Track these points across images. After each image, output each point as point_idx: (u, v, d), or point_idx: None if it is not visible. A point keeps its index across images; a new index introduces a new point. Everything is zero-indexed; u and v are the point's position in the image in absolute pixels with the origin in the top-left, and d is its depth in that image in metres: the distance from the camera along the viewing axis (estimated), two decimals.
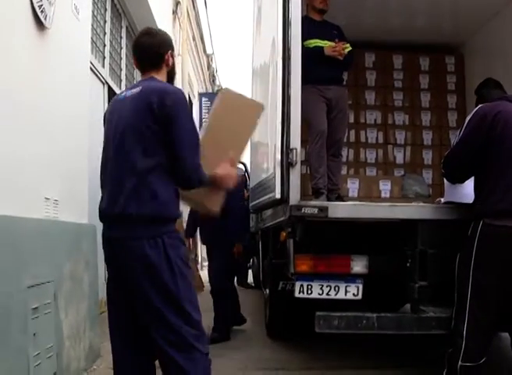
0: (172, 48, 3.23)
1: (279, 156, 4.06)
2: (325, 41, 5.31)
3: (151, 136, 2.91)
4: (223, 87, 3.63)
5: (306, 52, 4.58)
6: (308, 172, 5.42)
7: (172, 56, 3.22)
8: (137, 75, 9.39)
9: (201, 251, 15.67)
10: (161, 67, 3.16)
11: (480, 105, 3.86)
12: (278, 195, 4.09)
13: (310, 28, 5.04)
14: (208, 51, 19.76)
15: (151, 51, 3.15)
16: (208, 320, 6.22)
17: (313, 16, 5.46)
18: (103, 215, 3.10)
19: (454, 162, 3.98)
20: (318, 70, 5.11)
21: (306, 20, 4.97)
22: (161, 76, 3.15)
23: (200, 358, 2.94)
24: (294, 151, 4.01)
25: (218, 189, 3.19)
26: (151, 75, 3.14)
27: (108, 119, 3.21)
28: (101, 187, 3.24)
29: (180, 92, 3.06)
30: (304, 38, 4.54)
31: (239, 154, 3.42)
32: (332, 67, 5.32)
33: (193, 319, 2.92)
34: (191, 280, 3.06)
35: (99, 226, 3.28)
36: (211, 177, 3.05)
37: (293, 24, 4.16)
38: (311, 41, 5.22)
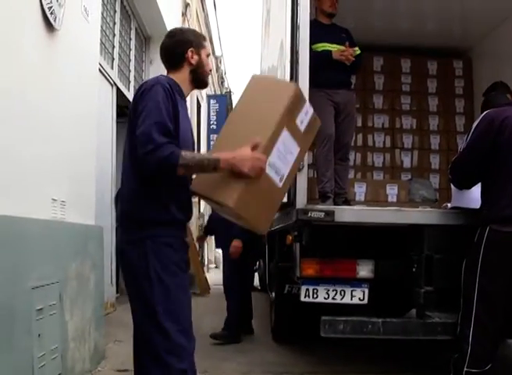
0: (193, 44, 3.09)
1: None
2: (334, 45, 5.30)
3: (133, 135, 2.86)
4: (254, 74, 3.30)
5: (314, 56, 4.58)
6: (315, 176, 5.41)
7: (198, 53, 3.09)
8: (146, 76, 9.42)
9: (208, 253, 15.70)
10: (180, 66, 3.07)
11: (487, 111, 3.85)
12: (284, 199, 4.08)
13: (318, 31, 5.04)
14: (217, 53, 19.81)
15: (168, 52, 3.12)
16: (214, 322, 6.26)
17: (322, 20, 5.45)
18: None
19: (462, 168, 3.97)
20: (326, 74, 5.10)
21: (315, 24, 4.98)
22: (180, 76, 3.06)
23: (173, 373, 2.74)
24: None
25: (231, 176, 2.70)
26: (168, 75, 3.08)
27: None
28: None
29: (154, 81, 2.90)
30: (312, 42, 4.53)
31: (266, 139, 2.75)
32: (340, 71, 5.30)
33: (165, 329, 2.75)
34: (175, 287, 2.83)
35: (106, 227, 3.29)
36: (213, 160, 2.71)
37: (302, 28, 4.16)
38: (320, 44, 5.21)
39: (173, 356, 2.75)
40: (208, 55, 3.17)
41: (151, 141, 2.66)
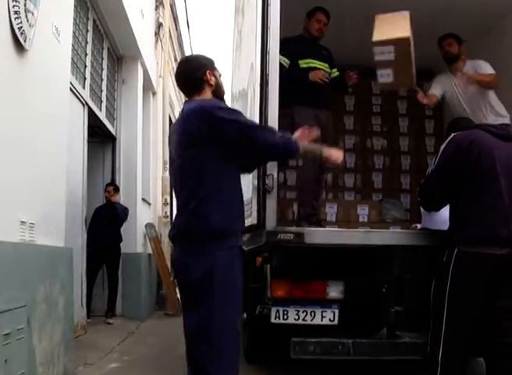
0: (209, 67, 3.37)
1: (255, 182, 4.07)
2: (317, 62, 5.36)
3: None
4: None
5: (299, 72, 4.64)
6: (286, 197, 5.43)
7: (214, 75, 3.36)
8: (118, 96, 9.40)
9: None
10: (202, 89, 3.34)
11: (454, 134, 3.90)
12: (254, 221, 4.09)
13: (304, 47, 5.15)
14: None
15: (187, 77, 3.37)
16: None
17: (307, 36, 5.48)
18: None
19: (430, 191, 4.01)
20: (313, 93, 5.14)
21: (300, 39, 5.06)
22: (205, 97, 3.33)
23: None
24: (271, 177, 4.00)
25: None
26: (193, 97, 3.33)
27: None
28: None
29: (214, 101, 3.27)
30: (298, 57, 4.61)
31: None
32: (325, 92, 5.35)
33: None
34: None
35: (76, 248, 3.28)
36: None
37: (271, 52, 4.17)
38: (306, 60, 5.27)
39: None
40: (220, 76, 3.42)
41: (268, 128, 3.52)
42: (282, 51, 4.51)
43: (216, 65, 3.46)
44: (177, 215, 3.28)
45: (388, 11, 4.95)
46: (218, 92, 3.39)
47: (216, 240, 3.04)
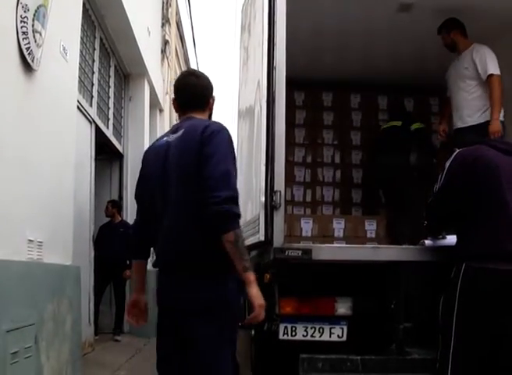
0: (212, 91, 3.17)
1: (263, 198, 4.06)
2: None
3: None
4: None
5: None
6: (293, 212, 5.43)
7: (213, 100, 3.17)
8: (125, 114, 9.43)
9: None
10: (204, 109, 3.10)
11: (458, 150, 3.89)
12: (262, 237, 4.08)
13: None
14: None
15: (197, 92, 3.10)
16: None
17: None
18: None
19: (437, 210, 3.97)
20: None
21: None
22: (204, 117, 3.08)
23: None
24: (278, 193, 3.99)
25: None
26: (191, 115, 3.04)
27: (150, 169, 3.04)
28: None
29: (220, 125, 2.94)
30: None
31: None
32: None
33: None
34: None
35: (83, 266, 3.27)
36: (248, 267, 2.84)
37: (278, 68, 4.18)
38: None
39: None
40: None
41: (233, 189, 2.78)
42: None
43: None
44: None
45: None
46: (210, 118, 3.18)
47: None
